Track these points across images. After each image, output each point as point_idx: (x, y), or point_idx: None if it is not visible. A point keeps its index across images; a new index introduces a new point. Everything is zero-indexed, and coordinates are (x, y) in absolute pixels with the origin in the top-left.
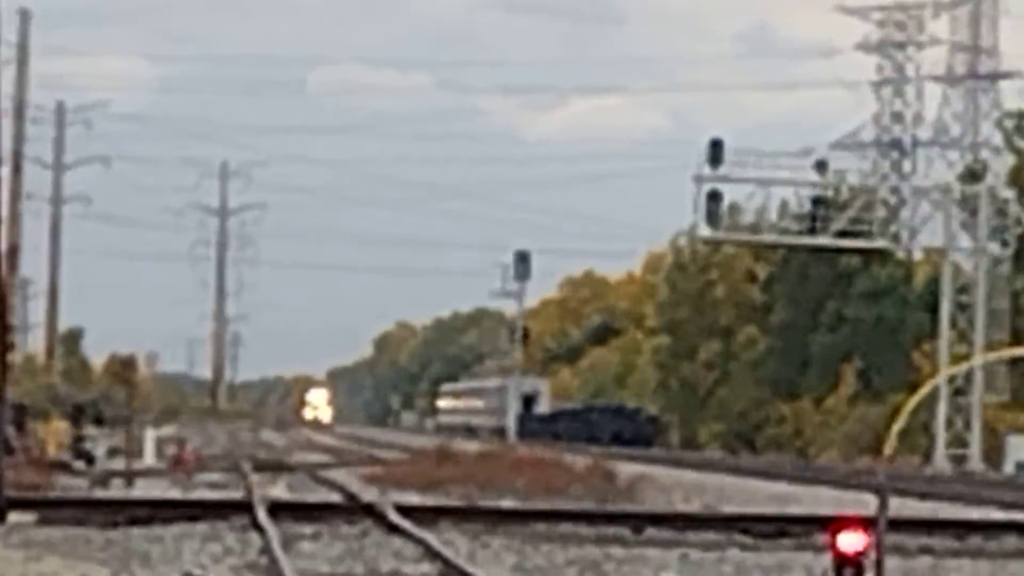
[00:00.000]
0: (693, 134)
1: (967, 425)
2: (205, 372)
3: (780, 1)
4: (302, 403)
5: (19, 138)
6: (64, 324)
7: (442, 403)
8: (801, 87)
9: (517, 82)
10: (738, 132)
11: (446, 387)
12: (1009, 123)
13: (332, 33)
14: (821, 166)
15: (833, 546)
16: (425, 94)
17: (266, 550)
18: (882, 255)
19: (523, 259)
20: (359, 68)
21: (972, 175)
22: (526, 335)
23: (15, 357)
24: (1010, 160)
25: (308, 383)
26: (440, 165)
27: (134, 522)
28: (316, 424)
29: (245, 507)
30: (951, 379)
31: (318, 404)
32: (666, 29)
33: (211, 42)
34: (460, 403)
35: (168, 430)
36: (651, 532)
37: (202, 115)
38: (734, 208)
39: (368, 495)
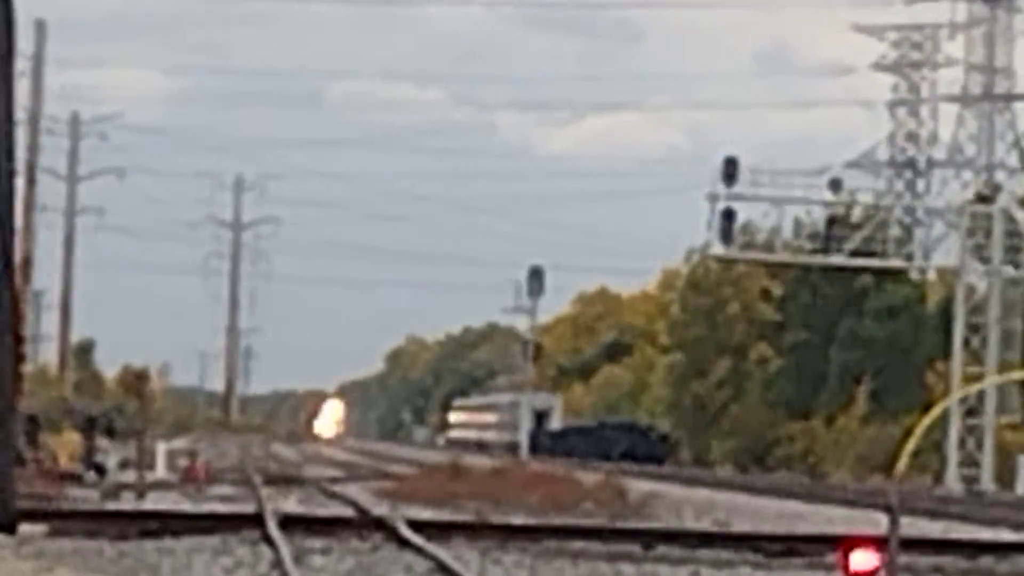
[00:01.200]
0: (709, 151)
1: (979, 445)
2: (217, 385)
3: (798, 19)
4: (315, 416)
5: (34, 149)
6: (77, 336)
7: (454, 418)
8: (817, 106)
9: (533, 98)
10: (754, 150)
11: (458, 402)
12: None
13: (350, 47)
14: (835, 185)
15: (844, 565)
16: (441, 109)
17: (277, 564)
18: (895, 275)
19: (536, 275)
20: (376, 82)
21: (986, 196)
22: (538, 351)
23: (27, 368)
24: None
25: (320, 397)
26: (455, 180)
27: (145, 534)
28: (328, 438)
29: (256, 520)
30: (963, 399)
31: (332, 417)
32: (683, 46)
33: (228, 55)
34: (472, 418)
35: (180, 443)
36: (662, 549)
37: (217, 128)
38: (748, 226)
39: (379, 509)
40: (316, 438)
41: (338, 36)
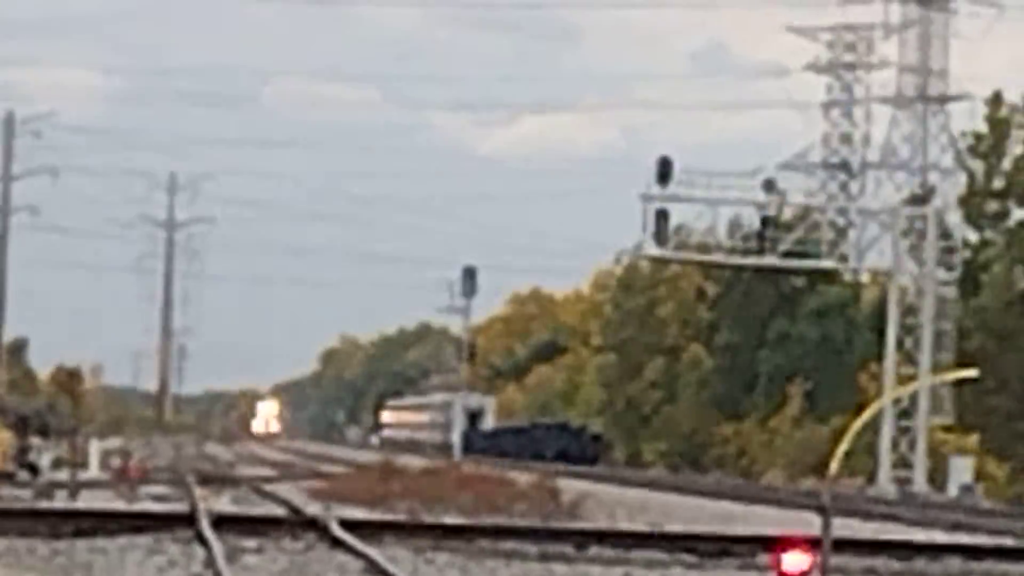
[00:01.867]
0: (644, 152)
1: (912, 447)
2: (151, 384)
3: (737, 20)
4: (250, 416)
5: None
6: (9, 335)
7: (387, 418)
8: (754, 107)
9: (469, 98)
10: (689, 151)
11: (391, 402)
12: (963, 144)
13: (285, 47)
14: (769, 186)
15: (777, 566)
16: (376, 109)
17: (210, 563)
18: (829, 276)
19: (470, 275)
20: (311, 82)
21: (920, 197)
22: (472, 351)
23: None
24: (962, 181)
25: (254, 397)
26: (389, 180)
27: (78, 533)
28: (265, 436)
29: (189, 520)
30: (896, 401)
31: (268, 416)
32: (622, 46)
33: (163, 54)
34: (405, 418)
35: (113, 442)
36: (595, 550)
37: (152, 127)
38: (682, 227)
39: (312, 509)
40: (252, 437)
41: (273, 36)
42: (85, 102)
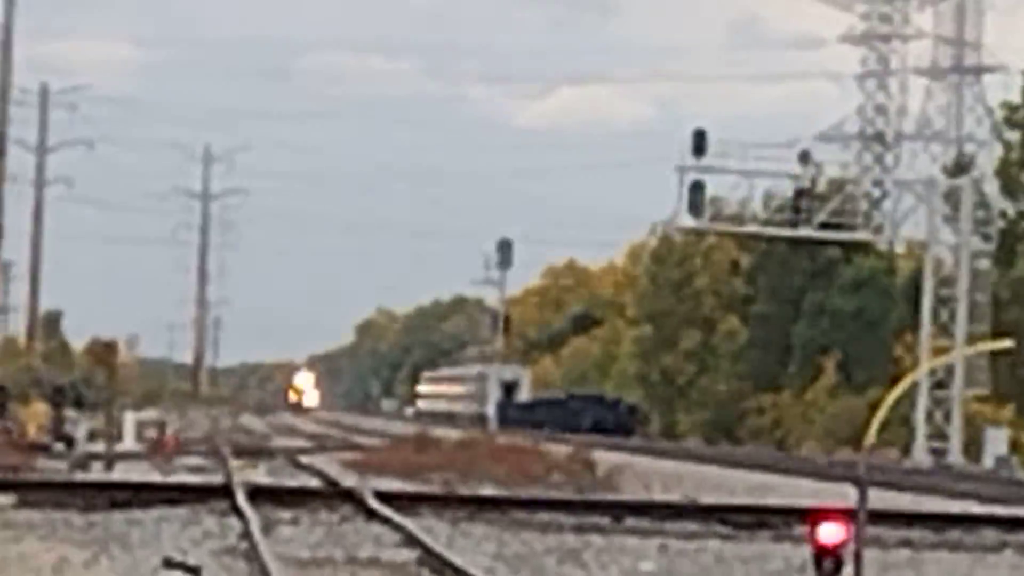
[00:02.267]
0: (679, 124)
1: (947, 418)
2: (186, 357)
3: None
4: (288, 388)
5: (3, 120)
6: (45, 307)
7: (423, 389)
8: (789, 78)
9: (505, 70)
10: (725, 123)
11: (427, 374)
12: (999, 114)
13: (320, 19)
14: (804, 158)
15: (812, 537)
16: (412, 80)
17: (245, 535)
18: (864, 247)
19: (505, 247)
20: (346, 54)
21: (957, 168)
22: (507, 323)
23: None
24: (998, 152)
25: (289, 368)
26: (425, 152)
27: (114, 505)
28: (300, 408)
29: (225, 491)
30: (932, 372)
31: (304, 388)
32: (658, 18)
33: (198, 26)
34: (441, 390)
35: (148, 414)
36: (630, 521)
37: (187, 99)
38: (717, 199)
39: (348, 481)
40: (289, 408)
41: (309, 8)
42: (120, 74)
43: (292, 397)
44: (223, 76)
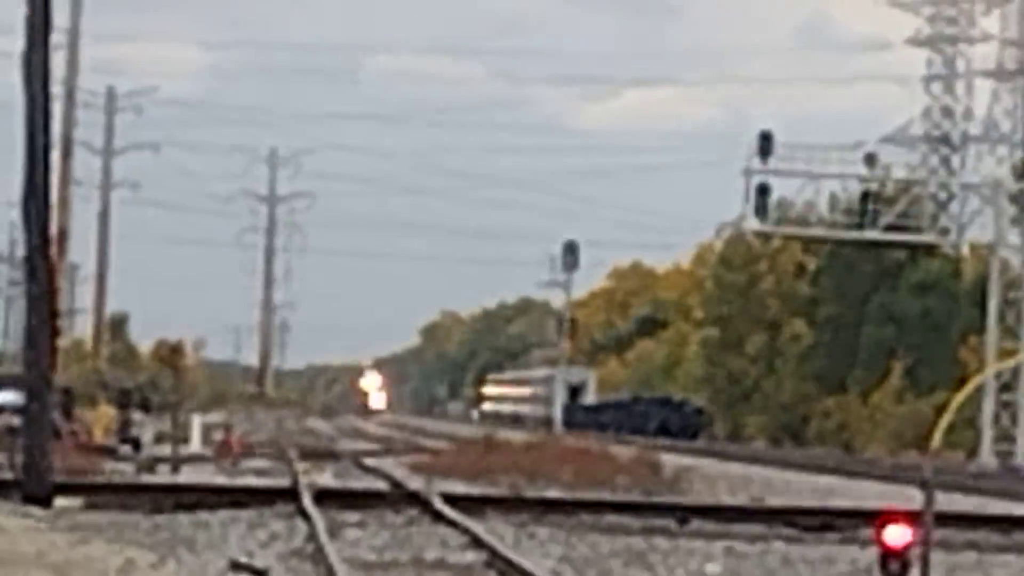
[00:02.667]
0: (745, 126)
1: (1013, 421)
2: (252, 359)
3: None
4: (354, 391)
5: (69, 123)
6: (111, 309)
7: (489, 392)
8: (856, 81)
9: (571, 72)
10: (792, 125)
11: (493, 376)
12: None
13: (387, 21)
14: (870, 160)
15: (879, 540)
16: (478, 83)
17: (312, 537)
18: (930, 250)
19: (571, 250)
20: (413, 56)
21: (1022, 171)
22: (573, 326)
23: (63, 342)
24: None
25: (356, 371)
26: (491, 155)
27: (180, 508)
28: (367, 411)
29: (291, 494)
30: (998, 375)
31: (371, 390)
32: (723, 20)
33: (265, 29)
34: (507, 393)
35: (215, 416)
36: (696, 524)
37: (253, 102)
38: (783, 201)
39: (414, 483)
40: (363, 410)
41: (376, 10)
42: (186, 77)
43: (359, 399)
44: (290, 79)
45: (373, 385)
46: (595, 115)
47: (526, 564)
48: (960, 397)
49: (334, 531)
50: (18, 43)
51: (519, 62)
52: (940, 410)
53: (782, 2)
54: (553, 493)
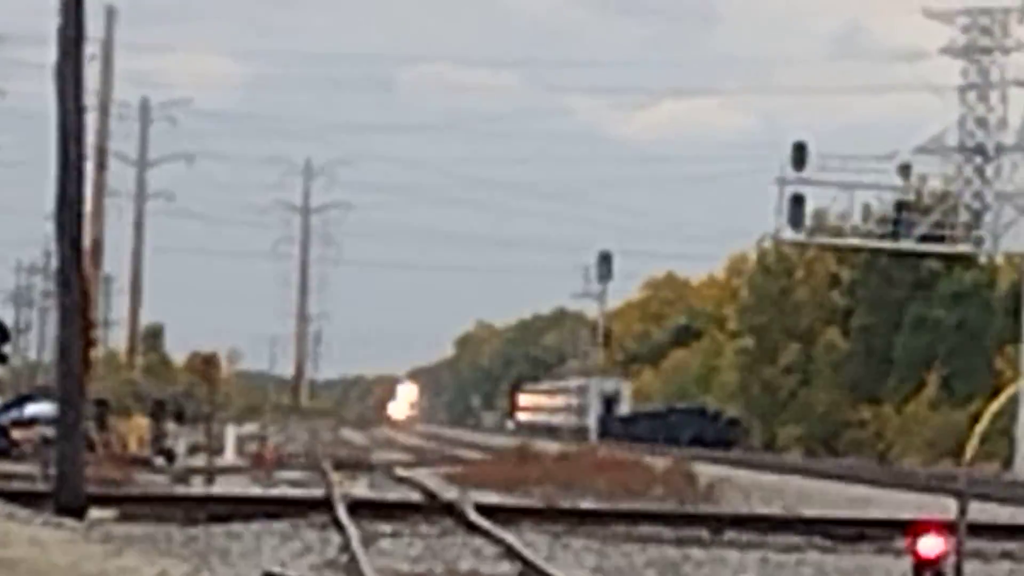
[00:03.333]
0: (781, 136)
1: None
2: (287, 370)
3: (873, 2)
4: (387, 401)
5: (103, 134)
6: (146, 320)
7: (523, 403)
8: (891, 90)
9: (607, 82)
10: (826, 135)
11: (527, 387)
12: None
13: (423, 31)
14: (905, 170)
15: (913, 550)
16: (514, 93)
17: (346, 548)
18: (965, 259)
19: (605, 260)
20: (449, 66)
21: None
22: (607, 336)
23: (97, 353)
24: None
25: (391, 382)
26: (526, 165)
27: (214, 519)
28: (399, 422)
29: (325, 505)
30: None
31: (406, 400)
32: (759, 30)
33: (300, 40)
34: (541, 403)
35: (249, 427)
36: (731, 534)
37: (288, 113)
38: (818, 212)
39: (448, 494)
40: (388, 421)
41: (411, 20)
42: (221, 88)
43: (391, 410)
44: (325, 89)
45: (408, 396)
46: (631, 125)
47: (560, 575)
48: (994, 407)
49: (368, 542)
50: (51, 54)
51: (556, 72)
52: (975, 420)
53: (818, 12)
54: (587, 504)
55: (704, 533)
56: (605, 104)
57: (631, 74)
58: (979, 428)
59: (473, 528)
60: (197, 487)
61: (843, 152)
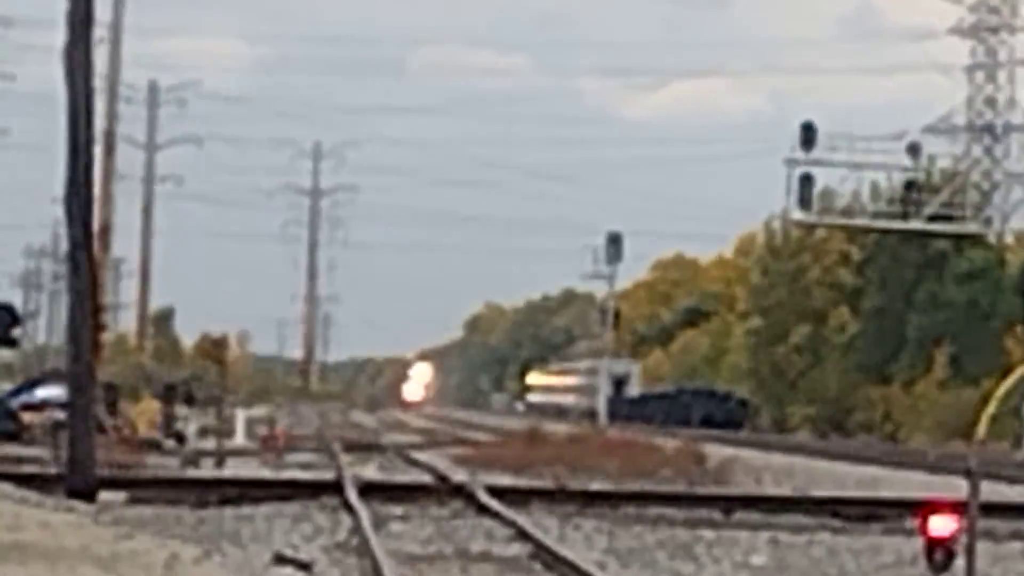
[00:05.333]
0: (791, 117)
1: None
2: (296, 352)
3: None
4: (400, 381)
5: (112, 118)
6: (156, 304)
7: (533, 384)
8: (900, 71)
9: (617, 63)
10: (838, 115)
11: (536, 369)
12: None
13: (433, 13)
14: (914, 150)
15: (924, 529)
16: (524, 75)
17: (356, 530)
18: (974, 239)
19: (615, 241)
20: (459, 48)
21: None
22: (617, 317)
23: (107, 336)
24: None
25: (400, 364)
26: (535, 146)
27: (225, 502)
28: (409, 404)
29: (336, 487)
30: None
31: (421, 381)
32: (769, 10)
33: (308, 22)
34: (551, 384)
35: (259, 410)
36: (741, 515)
37: (296, 96)
38: (827, 192)
39: (458, 476)
40: (403, 403)
41: (421, 2)
42: (229, 71)
43: (405, 392)
44: (334, 71)
45: (422, 375)
46: (641, 105)
47: (571, 556)
48: (1004, 387)
49: (379, 524)
50: (60, 37)
51: (565, 53)
52: (985, 399)
53: None
54: (597, 485)
55: (714, 514)
56: (614, 85)
57: (641, 55)
58: (989, 408)
59: (484, 510)
60: (207, 470)
61: (852, 132)
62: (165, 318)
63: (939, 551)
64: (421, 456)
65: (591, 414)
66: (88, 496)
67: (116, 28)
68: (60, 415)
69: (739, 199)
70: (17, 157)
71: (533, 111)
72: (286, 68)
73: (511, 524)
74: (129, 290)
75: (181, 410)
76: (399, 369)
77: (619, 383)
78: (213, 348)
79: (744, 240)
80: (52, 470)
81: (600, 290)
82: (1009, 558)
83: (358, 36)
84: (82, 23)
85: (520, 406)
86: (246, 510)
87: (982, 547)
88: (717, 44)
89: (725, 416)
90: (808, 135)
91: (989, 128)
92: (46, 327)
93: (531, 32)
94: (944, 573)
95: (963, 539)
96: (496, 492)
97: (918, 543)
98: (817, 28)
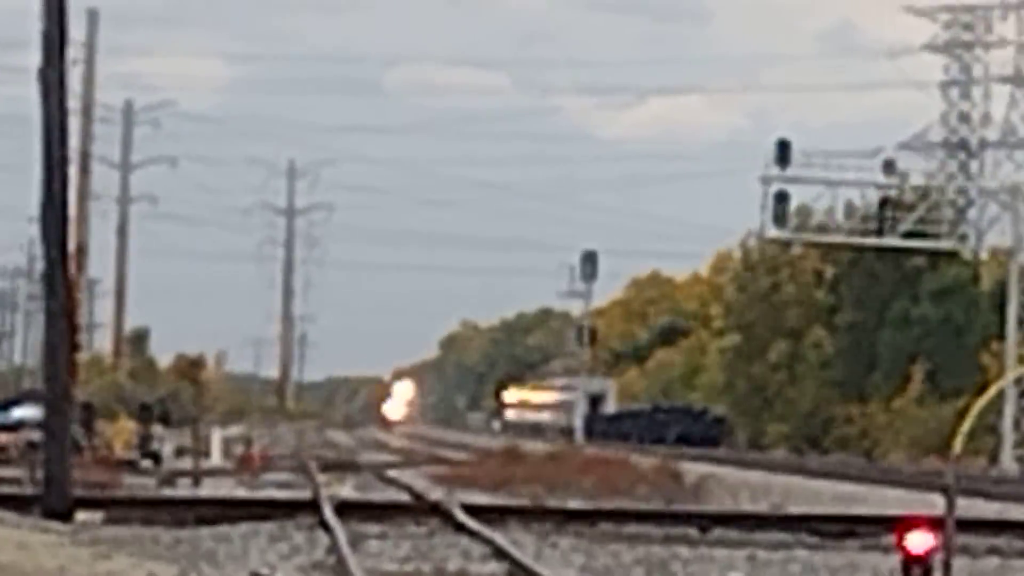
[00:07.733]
0: (769, 134)
1: None
2: (272, 372)
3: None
4: (379, 400)
5: (87, 138)
6: (131, 324)
7: (509, 403)
8: (877, 87)
9: (596, 81)
10: (815, 132)
11: (512, 387)
12: None
13: (411, 32)
14: (888, 167)
15: (901, 546)
16: (502, 94)
17: (333, 549)
18: (949, 255)
19: (590, 259)
20: (437, 67)
21: None
22: (593, 335)
23: (82, 356)
24: None
25: (375, 383)
26: (510, 165)
27: (201, 521)
28: (387, 422)
29: (312, 506)
30: (1018, 380)
31: (404, 399)
32: (748, 28)
33: (285, 41)
34: (527, 403)
35: (235, 430)
36: (718, 532)
37: (270, 115)
38: (802, 209)
39: (435, 494)
40: (384, 422)
41: (398, 21)
42: (205, 90)
43: (386, 409)
44: (311, 91)
45: (403, 394)
46: (620, 123)
47: (548, 574)
48: (980, 402)
49: (356, 543)
50: (35, 58)
51: (543, 72)
52: (961, 416)
53: (806, 10)
54: (574, 503)
55: (691, 531)
56: (593, 103)
57: (619, 73)
58: (965, 424)
59: (460, 528)
60: (184, 490)
61: (831, 149)
62: (140, 338)
63: (916, 567)
64: (398, 475)
65: (568, 432)
66: (64, 516)
67: (90, 48)
68: (36, 435)
69: (715, 217)
70: None
71: (510, 129)
72: (262, 87)
73: (488, 542)
74: (104, 310)
75: (157, 430)
76: (376, 389)
77: (595, 401)
78: (189, 368)
79: (720, 258)
80: (28, 490)
81: (576, 308)
82: (986, 574)
83: (334, 55)
84: (56, 43)
85: (496, 424)
86: (223, 529)
87: (959, 563)
88: (695, 61)
89: (701, 433)
90: (783, 152)
91: (964, 144)
92: (22, 347)
93: (508, 51)
94: None
95: (940, 555)
96: (473, 510)
97: (895, 559)
98: (795, 45)
